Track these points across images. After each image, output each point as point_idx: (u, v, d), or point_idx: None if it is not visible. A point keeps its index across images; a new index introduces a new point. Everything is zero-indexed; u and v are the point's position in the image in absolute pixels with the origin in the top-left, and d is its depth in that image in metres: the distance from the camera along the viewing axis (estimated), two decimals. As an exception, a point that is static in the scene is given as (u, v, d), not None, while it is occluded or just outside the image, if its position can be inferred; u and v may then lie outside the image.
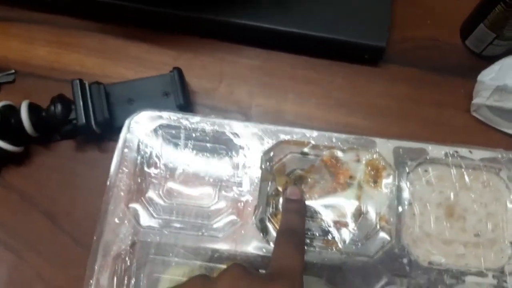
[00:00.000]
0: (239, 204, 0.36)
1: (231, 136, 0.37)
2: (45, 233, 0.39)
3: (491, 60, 0.42)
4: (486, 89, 0.40)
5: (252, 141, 0.37)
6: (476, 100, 0.42)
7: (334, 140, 0.38)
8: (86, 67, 0.44)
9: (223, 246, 0.34)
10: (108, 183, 0.36)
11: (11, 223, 0.39)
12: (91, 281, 0.33)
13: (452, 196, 0.37)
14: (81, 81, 0.39)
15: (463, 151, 0.38)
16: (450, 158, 0.37)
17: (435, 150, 0.38)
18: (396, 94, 0.44)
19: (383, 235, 0.36)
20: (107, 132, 0.40)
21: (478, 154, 0.38)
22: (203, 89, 0.44)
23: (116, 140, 0.38)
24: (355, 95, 0.44)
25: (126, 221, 0.35)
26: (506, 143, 0.42)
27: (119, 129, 0.38)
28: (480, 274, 0.35)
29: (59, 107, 0.39)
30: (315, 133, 0.38)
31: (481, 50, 0.44)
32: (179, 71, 0.41)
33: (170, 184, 0.36)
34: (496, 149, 0.38)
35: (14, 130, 0.39)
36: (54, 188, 0.40)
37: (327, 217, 0.36)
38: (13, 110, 0.39)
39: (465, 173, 0.38)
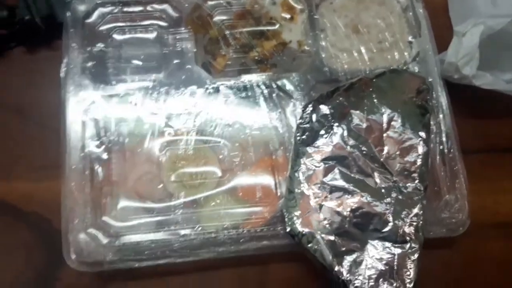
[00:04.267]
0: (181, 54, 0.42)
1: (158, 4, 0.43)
2: (14, 125, 0.43)
3: None
4: None
5: (180, 3, 0.43)
6: None
7: (251, -12, 0.45)
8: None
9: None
10: (64, 60, 0.41)
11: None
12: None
13: (355, 18, 0.45)
14: (18, -18, 0.43)
15: (356, -22, 0.45)
16: (347, -15, 0.45)
17: (334, -18, 0.45)
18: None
19: (305, 55, 0.43)
20: (52, 29, 0.44)
21: (369, -22, 0.45)
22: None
23: (60, 37, 0.42)
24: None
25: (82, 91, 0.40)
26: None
27: (62, 26, 0.43)
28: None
29: (4, 11, 0.43)
30: (234, -14, 0.44)
31: None
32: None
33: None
34: (383, -28, 0.46)
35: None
36: (16, 88, 0.44)
37: (259, 50, 0.43)
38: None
39: (362, -4, 0.46)
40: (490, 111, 0.46)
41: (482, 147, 0.45)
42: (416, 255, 0.34)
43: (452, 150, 0.40)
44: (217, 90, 0.41)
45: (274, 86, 0.41)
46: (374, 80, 0.39)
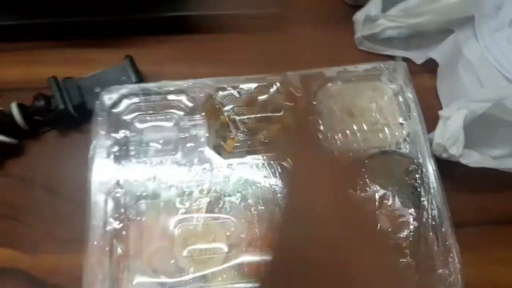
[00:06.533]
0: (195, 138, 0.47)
1: (176, 95, 0.49)
2: (45, 203, 0.48)
3: (366, 6, 0.56)
4: (359, 24, 0.54)
5: (196, 94, 0.49)
6: (355, 35, 0.56)
7: (258, 80, 0.50)
8: (57, 73, 0.54)
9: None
10: (91, 145, 0.46)
11: (14, 201, 0.48)
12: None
13: (350, 102, 0.50)
14: (55, 77, 0.50)
15: (350, 67, 0.51)
16: (341, 74, 0.51)
17: (329, 71, 0.51)
18: (297, 48, 0.57)
19: (305, 137, 0.48)
20: (82, 115, 0.51)
21: (362, 67, 0.51)
22: (153, 72, 0.55)
23: (89, 121, 0.49)
24: (267, 54, 0.56)
25: (106, 172, 0.45)
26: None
27: (91, 112, 0.49)
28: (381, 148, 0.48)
29: (41, 101, 0.50)
30: (242, 78, 0.50)
31: (355, 2, 0.58)
32: (130, 58, 0.52)
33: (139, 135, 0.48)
34: (373, 62, 0.52)
35: (8, 126, 0.49)
36: (47, 168, 0.50)
37: (265, 133, 0.48)
38: (3, 113, 0.49)
39: (356, 83, 0.51)
40: (481, 185, 0.49)
41: (476, 220, 0.47)
42: (410, 330, 0.36)
43: (444, 225, 0.43)
44: (226, 170, 0.45)
45: (277, 165, 0.46)
46: (366, 161, 0.43)
